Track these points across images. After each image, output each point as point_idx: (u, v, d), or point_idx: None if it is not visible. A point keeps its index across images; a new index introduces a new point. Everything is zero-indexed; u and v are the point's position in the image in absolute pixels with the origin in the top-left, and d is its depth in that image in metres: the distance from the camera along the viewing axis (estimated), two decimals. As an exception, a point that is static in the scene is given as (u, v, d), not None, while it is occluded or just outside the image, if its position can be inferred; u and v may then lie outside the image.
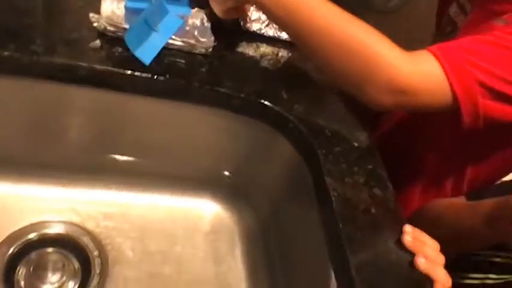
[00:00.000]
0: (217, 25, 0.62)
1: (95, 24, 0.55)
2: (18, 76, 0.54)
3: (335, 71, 0.57)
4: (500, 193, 0.57)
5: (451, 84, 0.53)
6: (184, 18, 0.57)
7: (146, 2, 0.55)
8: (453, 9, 0.68)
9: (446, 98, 0.53)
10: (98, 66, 0.54)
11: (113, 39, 0.57)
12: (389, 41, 0.54)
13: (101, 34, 0.57)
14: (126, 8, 0.55)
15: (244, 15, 0.67)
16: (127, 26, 0.56)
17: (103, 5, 0.55)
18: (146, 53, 0.54)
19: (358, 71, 0.54)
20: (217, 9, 0.60)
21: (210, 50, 0.62)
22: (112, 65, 0.55)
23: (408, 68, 0.53)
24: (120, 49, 0.56)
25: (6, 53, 0.51)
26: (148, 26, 0.53)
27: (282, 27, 0.60)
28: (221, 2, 0.59)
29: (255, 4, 0.58)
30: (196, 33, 0.60)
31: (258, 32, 0.69)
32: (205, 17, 0.60)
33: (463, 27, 0.65)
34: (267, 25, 0.69)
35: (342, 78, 0.58)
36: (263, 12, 0.59)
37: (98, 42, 0.55)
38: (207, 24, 0.60)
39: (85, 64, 0.54)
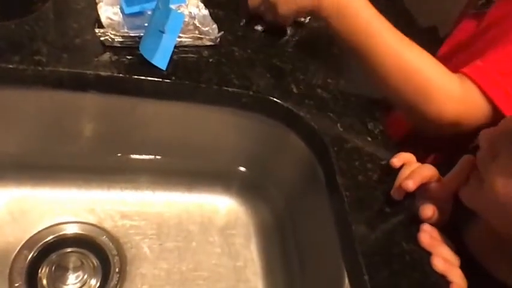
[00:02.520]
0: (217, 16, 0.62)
1: (102, 39, 0.55)
2: (30, 86, 0.54)
3: (391, 91, 0.58)
4: None
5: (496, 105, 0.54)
6: (180, 9, 0.56)
7: (142, 4, 0.54)
8: None
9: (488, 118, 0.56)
10: (103, 73, 0.54)
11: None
12: (442, 68, 0.56)
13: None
14: (125, 14, 0.54)
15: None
16: (132, 34, 0.55)
17: (101, 14, 0.55)
18: (161, 58, 0.54)
19: (412, 97, 0.56)
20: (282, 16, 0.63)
21: (218, 40, 0.61)
22: (118, 72, 0.54)
23: (457, 101, 0.55)
24: (127, 55, 0.56)
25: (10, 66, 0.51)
26: (158, 31, 0.52)
27: (341, 43, 0.61)
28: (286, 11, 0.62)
29: (317, 15, 0.60)
30: (197, 23, 0.60)
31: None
32: (200, 3, 0.59)
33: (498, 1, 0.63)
34: None
35: (397, 100, 0.59)
36: (326, 25, 0.60)
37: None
38: (205, 11, 0.59)
39: (90, 72, 0.53)
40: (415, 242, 0.50)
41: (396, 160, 0.54)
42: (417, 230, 0.50)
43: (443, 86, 0.55)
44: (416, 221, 0.51)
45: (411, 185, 0.50)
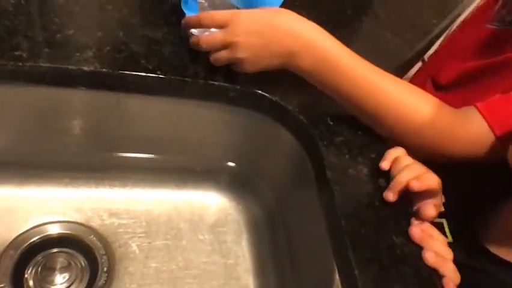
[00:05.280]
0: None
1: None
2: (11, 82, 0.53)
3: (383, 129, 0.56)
4: None
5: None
6: None
7: None
8: None
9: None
10: (86, 68, 0.52)
11: (104, 39, 0.54)
12: (438, 104, 0.53)
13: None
14: None
15: None
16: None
17: None
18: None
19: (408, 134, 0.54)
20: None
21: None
22: (101, 66, 0.53)
23: (459, 134, 0.52)
24: (110, 50, 0.54)
25: None
26: None
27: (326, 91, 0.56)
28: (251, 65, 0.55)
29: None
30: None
31: None
32: None
33: None
34: None
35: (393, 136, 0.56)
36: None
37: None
38: None
39: (73, 67, 0.52)
40: (406, 236, 0.49)
41: (385, 163, 0.53)
42: (408, 224, 0.50)
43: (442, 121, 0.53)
44: (407, 215, 0.50)
45: (391, 198, 0.50)
